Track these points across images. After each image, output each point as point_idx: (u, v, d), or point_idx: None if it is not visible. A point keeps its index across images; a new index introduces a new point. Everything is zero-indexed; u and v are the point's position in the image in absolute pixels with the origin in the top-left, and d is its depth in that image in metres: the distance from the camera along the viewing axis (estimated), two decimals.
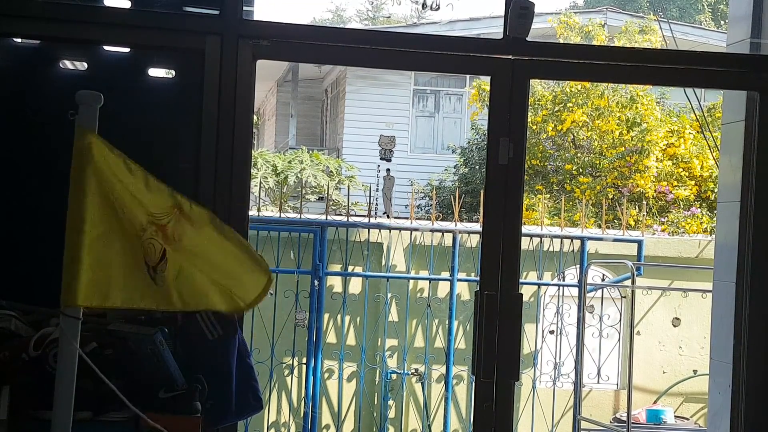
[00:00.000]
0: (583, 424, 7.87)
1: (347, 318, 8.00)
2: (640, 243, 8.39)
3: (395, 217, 10.36)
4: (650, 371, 8.56)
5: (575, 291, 8.12)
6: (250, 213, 4.69)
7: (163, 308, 2.76)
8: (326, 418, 8.02)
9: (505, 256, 3.93)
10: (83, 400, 2.79)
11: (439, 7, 12.61)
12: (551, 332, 8.24)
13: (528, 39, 3.96)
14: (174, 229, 2.71)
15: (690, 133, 12.09)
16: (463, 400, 8.14)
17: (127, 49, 3.90)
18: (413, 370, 8.07)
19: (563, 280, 8.26)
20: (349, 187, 11.72)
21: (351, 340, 8.02)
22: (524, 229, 6.29)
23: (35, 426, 2.95)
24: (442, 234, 8.17)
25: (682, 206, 11.57)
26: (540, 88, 12.45)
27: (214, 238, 2.80)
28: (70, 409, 2.65)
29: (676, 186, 11.83)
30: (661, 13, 15.91)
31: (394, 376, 8.05)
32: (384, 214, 11.98)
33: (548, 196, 11.80)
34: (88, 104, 2.67)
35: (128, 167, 2.69)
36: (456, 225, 8.50)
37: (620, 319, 8.59)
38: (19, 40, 3.84)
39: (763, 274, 4.13)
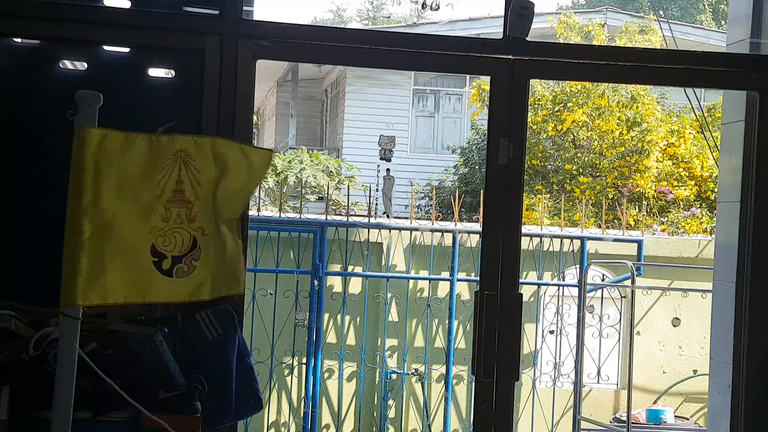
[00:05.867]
0: (583, 424, 7.87)
1: (347, 318, 8.00)
2: (640, 243, 8.39)
3: (395, 217, 10.35)
4: (650, 371, 8.56)
5: (575, 291, 8.11)
6: (250, 213, 4.69)
7: (178, 300, 2.74)
8: (326, 418, 8.02)
9: (505, 256, 3.93)
10: (83, 400, 2.79)
11: (439, 7, 12.60)
12: (551, 332, 8.23)
13: (528, 39, 3.96)
14: (188, 180, 2.69)
15: (690, 133, 12.09)
16: (463, 400, 8.14)
17: (127, 49, 3.90)
18: (413, 370, 8.07)
19: (563, 280, 8.25)
20: (349, 187, 11.70)
21: (351, 340, 8.02)
22: (524, 229, 6.29)
23: (35, 426, 2.95)
24: (442, 234, 8.17)
25: (682, 206, 11.57)
26: (540, 88, 12.44)
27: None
28: (70, 409, 2.65)
29: (676, 186, 11.83)
30: (661, 13, 15.90)
31: (394, 376, 8.05)
32: (384, 214, 11.97)
33: (548, 196, 11.79)
34: (87, 104, 2.67)
35: (132, 142, 2.66)
36: (456, 225, 8.49)
37: (620, 319, 8.59)
38: (19, 40, 3.85)
39: (763, 274, 4.13)
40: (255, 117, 18.19)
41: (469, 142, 14.61)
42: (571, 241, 8.29)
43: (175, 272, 2.67)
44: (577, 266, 8.20)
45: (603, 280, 8.50)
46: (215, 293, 2.77)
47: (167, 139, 2.70)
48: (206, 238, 2.71)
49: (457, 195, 9.02)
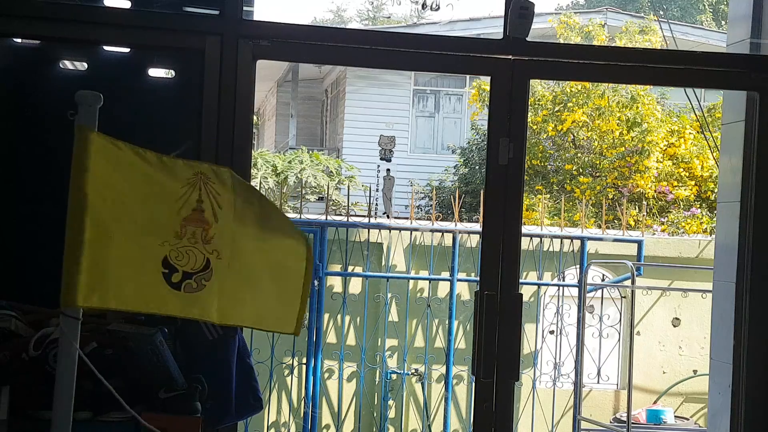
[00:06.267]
0: (583, 424, 7.87)
1: (347, 318, 8.00)
2: (640, 243, 8.39)
3: (395, 217, 10.36)
4: (650, 371, 8.56)
5: (575, 291, 8.11)
6: None
7: (190, 317, 2.74)
8: (326, 418, 8.02)
9: (505, 256, 3.93)
10: (83, 400, 2.79)
11: (439, 7, 12.61)
12: (551, 332, 8.23)
13: (528, 39, 3.97)
14: (209, 201, 2.70)
15: (690, 133, 12.09)
16: (463, 400, 8.14)
17: (127, 49, 3.90)
18: (413, 370, 8.07)
19: (563, 280, 8.25)
20: (349, 187, 11.71)
21: (351, 340, 8.02)
22: (524, 229, 6.28)
23: (35, 426, 2.95)
24: (442, 234, 8.17)
25: (682, 206, 11.57)
26: (540, 88, 12.44)
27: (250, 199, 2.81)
28: (70, 409, 2.65)
29: (676, 186, 11.83)
30: (661, 13, 15.90)
31: (394, 376, 8.05)
32: (384, 214, 11.98)
33: (548, 196, 11.80)
34: (87, 104, 2.66)
35: (142, 157, 2.66)
36: (456, 225, 8.49)
37: (620, 319, 8.58)
38: (19, 40, 3.85)
39: (763, 274, 4.13)
40: (255, 117, 18.17)
41: (469, 142, 14.62)
42: (571, 241, 8.29)
43: (184, 287, 2.66)
44: (577, 266, 8.20)
45: (603, 280, 8.50)
46: (225, 319, 2.76)
47: (184, 163, 2.71)
48: (220, 262, 2.70)
49: (457, 195, 9.02)
